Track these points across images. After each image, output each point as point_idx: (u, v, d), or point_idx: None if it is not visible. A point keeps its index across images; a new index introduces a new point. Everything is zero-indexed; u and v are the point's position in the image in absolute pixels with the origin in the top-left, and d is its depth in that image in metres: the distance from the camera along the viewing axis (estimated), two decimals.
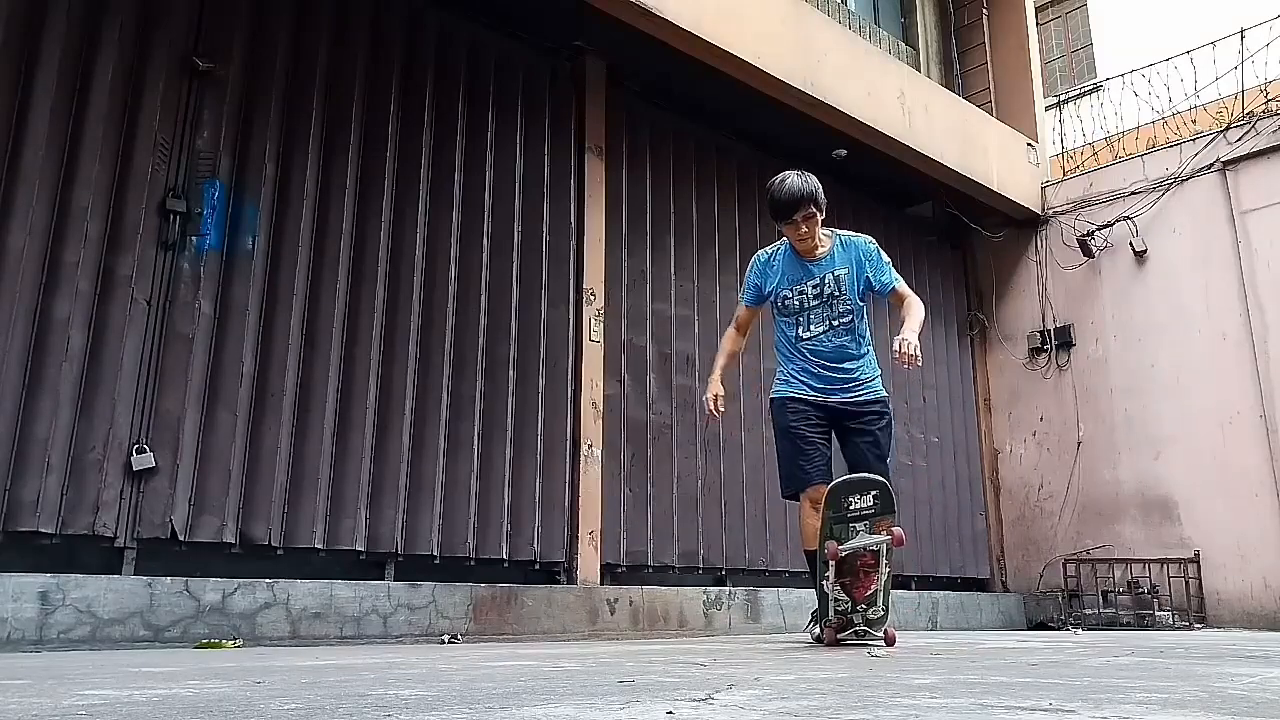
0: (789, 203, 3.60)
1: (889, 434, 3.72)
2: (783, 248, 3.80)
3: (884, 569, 3.38)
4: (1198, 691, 1.69)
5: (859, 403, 3.66)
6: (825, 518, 3.41)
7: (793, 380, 3.71)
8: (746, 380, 5.98)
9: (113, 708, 1.45)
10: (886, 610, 3.42)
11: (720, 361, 3.92)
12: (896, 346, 3.61)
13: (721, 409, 3.79)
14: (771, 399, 3.80)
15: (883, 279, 3.76)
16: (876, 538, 3.34)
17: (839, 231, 3.80)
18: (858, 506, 3.39)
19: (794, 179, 3.63)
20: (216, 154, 4.04)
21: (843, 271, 3.71)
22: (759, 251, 3.91)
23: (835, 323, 3.69)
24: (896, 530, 3.32)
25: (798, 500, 3.67)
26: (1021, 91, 7.99)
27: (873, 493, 3.37)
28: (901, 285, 3.80)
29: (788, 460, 3.66)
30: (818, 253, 3.71)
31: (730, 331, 3.98)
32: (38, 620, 3.17)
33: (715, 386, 3.82)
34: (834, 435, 3.73)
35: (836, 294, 3.69)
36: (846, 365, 3.67)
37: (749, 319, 3.98)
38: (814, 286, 3.70)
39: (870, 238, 3.85)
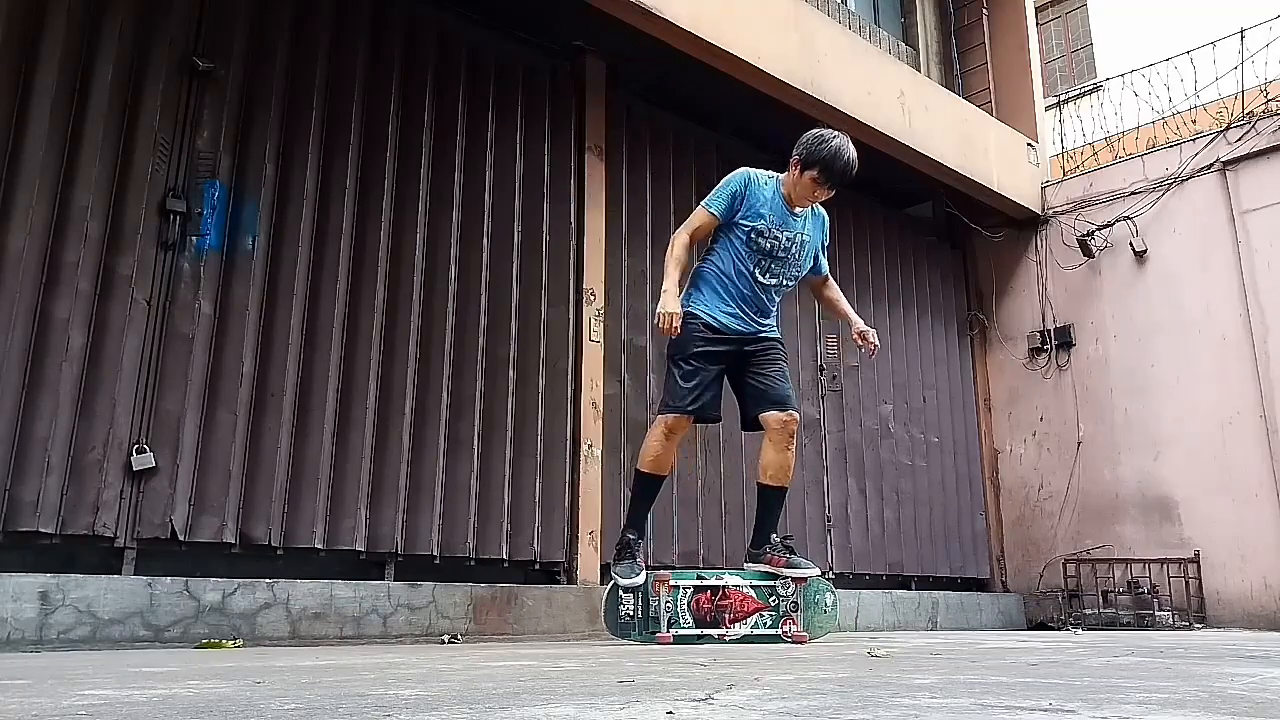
0: (848, 173, 3.61)
1: (787, 371, 3.84)
2: (775, 181, 3.72)
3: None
4: (1198, 691, 1.69)
5: (761, 336, 3.75)
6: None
7: (720, 311, 3.66)
8: None
9: (113, 708, 1.44)
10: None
11: (675, 275, 3.60)
12: (865, 333, 3.81)
13: (679, 328, 3.53)
14: (687, 314, 3.62)
15: (824, 261, 3.92)
16: (764, 631, 3.73)
17: None
18: (784, 594, 3.76)
19: (853, 149, 3.61)
20: (216, 154, 4.04)
21: (809, 237, 3.77)
22: (748, 169, 3.72)
23: (785, 282, 3.76)
24: (802, 635, 3.69)
25: (662, 409, 3.69)
26: (1021, 91, 7.98)
27: (798, 594, 3.77)
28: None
29: (680, 383, 3.60)
30: (798, 210, 3.73)
31: (685, 239, 3.66)
32: (38, 620, 3.17)
33: (674, 303, 3.51)
34: (730, 381, 3.81)
35: (799, 256, 3.75)
36: (765, 317, 3.77)
37: (710, 231, 3.71)
38: (788, 239, 3.69)
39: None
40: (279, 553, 3.90)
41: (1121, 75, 8.45)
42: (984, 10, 8.24)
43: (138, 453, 3.60)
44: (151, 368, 3.72)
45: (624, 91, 5.71)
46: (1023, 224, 7.76)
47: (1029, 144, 7.70)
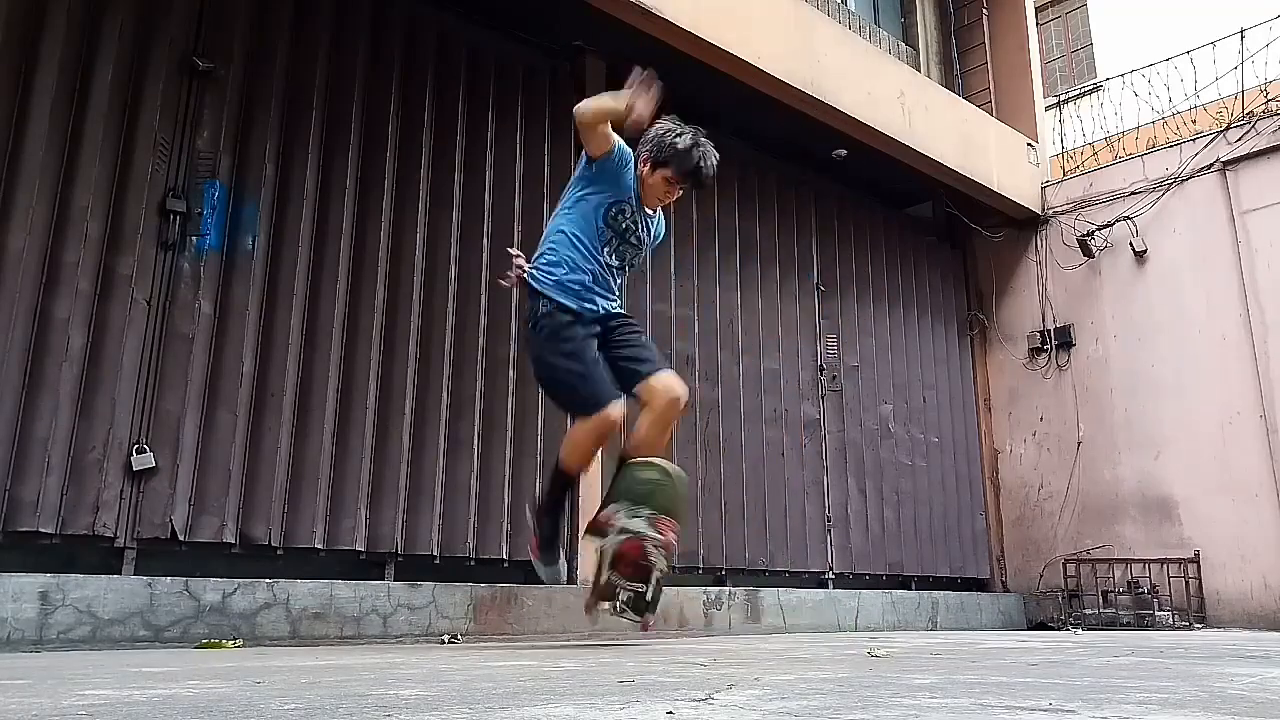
0: (709, 180, 3.50)
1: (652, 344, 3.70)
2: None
3: (655, 562, 3.40)
4: (1198, 691, 1.69)
5: (614, 313, 3.59)
6: (618, 487, 3.42)
7: (579, 290, 3.46)
8: (746, 380, 5.98)
9: (113, 708, 1.44)
10: (653, 600, 3.45)
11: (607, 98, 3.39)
12: None
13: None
14: (555, 306, 3.43)
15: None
16: (653, 534, 3.40)
17: None
18: (641, 490, 3.41)
19: (715, 155, 3.48)
20: (216, 154, 4.04)
21: (646, 236, 3.67)
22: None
23: (627, 265, 3.65)
24: (671, 538, 3.42)
25: (591, 413, 3.37)
26: (1021, 91, 7.99)
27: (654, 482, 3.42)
28: None
29: (586, 379, 3.37)
30: (649, 208, 3.63)
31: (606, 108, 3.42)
32: (38, 620, 3.17)
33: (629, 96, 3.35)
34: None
35: (639, 245, 3.63)
36: (611, 295, 3.60)
37: (605, 143, 3.42)
38: (637, 224, 3.56)
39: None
40: (279, 553, 3.90)
41: (1121, 75, 8.45)
42: (984, 10, 8.24)
43: (138, 453, 3.60)
44: (151, 368, 3.72)
45: None
46: (1023, 224, 7.76)
47: (1029, 144, 7.70)
